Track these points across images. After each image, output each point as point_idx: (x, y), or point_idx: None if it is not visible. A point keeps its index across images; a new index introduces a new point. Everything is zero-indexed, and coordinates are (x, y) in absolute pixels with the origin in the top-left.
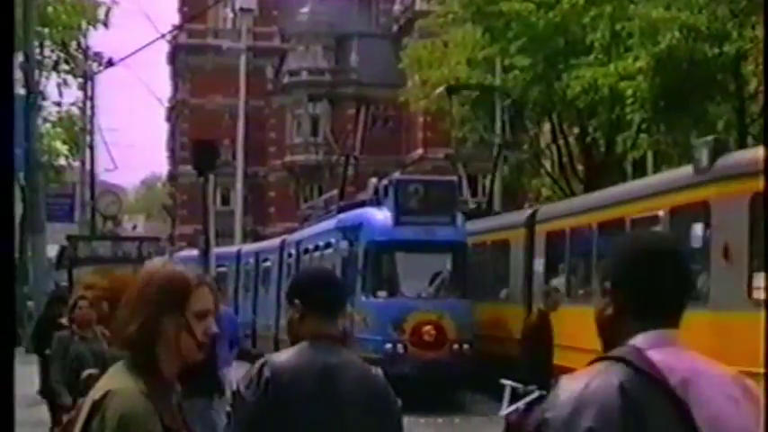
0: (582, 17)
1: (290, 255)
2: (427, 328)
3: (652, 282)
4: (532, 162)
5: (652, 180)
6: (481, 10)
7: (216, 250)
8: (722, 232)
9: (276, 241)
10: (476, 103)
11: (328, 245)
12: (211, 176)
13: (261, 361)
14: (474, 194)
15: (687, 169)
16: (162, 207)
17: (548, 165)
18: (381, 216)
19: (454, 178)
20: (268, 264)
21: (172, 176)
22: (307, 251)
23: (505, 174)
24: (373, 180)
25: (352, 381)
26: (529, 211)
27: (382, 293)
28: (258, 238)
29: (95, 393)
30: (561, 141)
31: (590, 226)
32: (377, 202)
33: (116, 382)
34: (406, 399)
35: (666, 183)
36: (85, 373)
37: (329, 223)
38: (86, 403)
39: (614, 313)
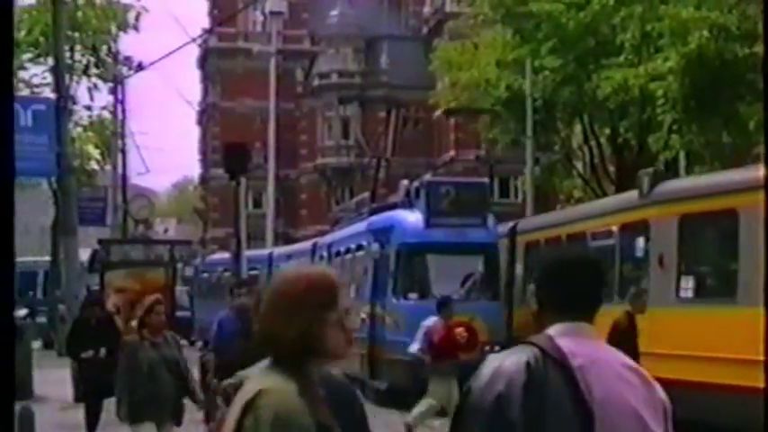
0: (612, 18)
1: (321, 257)
2: (459, 329)
3: (565, 285)
4: (564, 163)
5: (607, 201)
6: (511, 11)
7: (248, 253)
8: (658, 245)
9: (308, 244)
10: (506, 105)
11: (360, 247)
12: (243, 179)
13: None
14: (506, 196)
15: (633, 194)
16: (193, 210)
17: (579, 166)
18: (413, 218)
19: (485, 180)
20: None
21: (203, 180)
22: (338, 254)
23: (537, 175)
24: (404, 182)
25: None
26: (511, 224)
27: (413, 295)
28: (289, 240)
29: (245, 395)
30: (593, 142)
31: (560, 237)
32: (408, 204)
33: (267, 382)
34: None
35: (617, 204)
36: (225, 383)
37: (361, 226)
38: (236, 405)
39: (538, 309)
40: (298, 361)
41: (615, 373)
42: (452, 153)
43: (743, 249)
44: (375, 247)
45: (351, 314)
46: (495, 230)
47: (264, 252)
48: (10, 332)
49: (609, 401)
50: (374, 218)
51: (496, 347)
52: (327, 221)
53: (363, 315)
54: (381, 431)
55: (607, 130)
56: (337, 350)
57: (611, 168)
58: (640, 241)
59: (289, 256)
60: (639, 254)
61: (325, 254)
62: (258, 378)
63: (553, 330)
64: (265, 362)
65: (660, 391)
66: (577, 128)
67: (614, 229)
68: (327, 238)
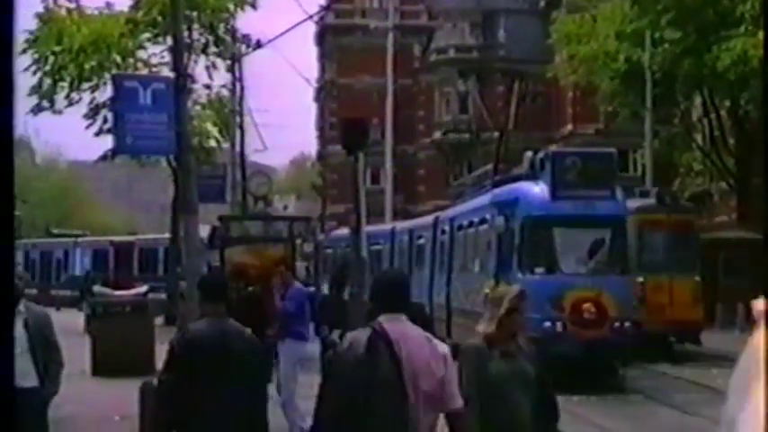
0: None
1: (443, 231)
2: (587, 305)
3: (384, 294)
4: (683, 136)
5: None
6: None
7: (370, 228)
8: None
9: (429, 218)
10: (625, 78)
11: (483, 221)
12: (361, 155)
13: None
14: (625, 170)
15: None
16: (312, 187)
17: (699, 138)
18: (538, 190)
19: (612, 150)
20: (422, 241)
21: (321, 156)
22: (461, 228)
23: (656, 148)
24: (528, 153)
25: (236, 340)
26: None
27: (540, 270)
28: (408, 216)
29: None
30: (712, 115)
31: None
32: (533, 176)
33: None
34: (563, 378)
35: None
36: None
37: (484, 199)
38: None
39: (372, 307)
40: (498, 338)
41: (415, 341)
42: (570, 127)
43: None
44: (500, 220)
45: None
46: (623, 202)
47: (387, 227)
48: (9, 331)
49: (410, 356)
50: (498, 191)
51: (626, 324)
52: (445, 197)
53: (486, 290)
54: None
55: (727, 103)
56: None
57: (731, 141)
58: None
59: (411, 231)
60: None
61: (447, 228)
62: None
63: (381, 318)
64: None
65: (441, 349)
66: (697, 100)
67: None
68: (449, 212)
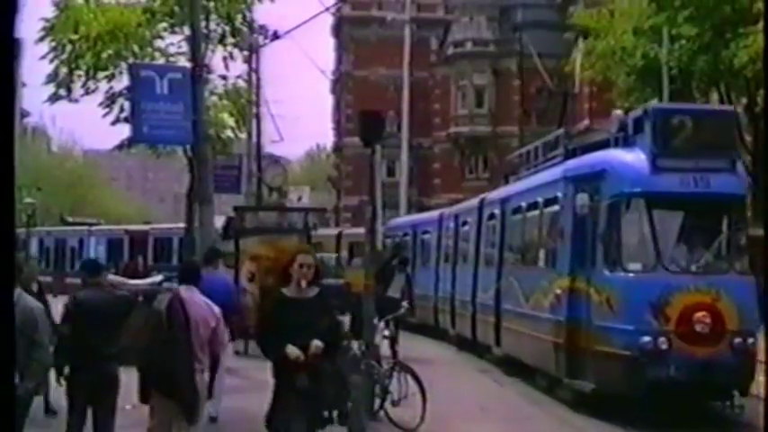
0: None
1: (491, 216)
2: (700, 314)
3: (184, 272)
4: None
5: None
6: None
7: (417, 216)
8: None
9: (474, 201)
10: (642, 73)
11: (551, 201)
12: (378, 148)
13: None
14: None
15: None
16: (327, 178)
17: None
18: (633, 159)
19: (730, 108)
20: (466, 228)
21: (337, 148)
22: (517, 211)
23: None
24: (618, 112)
25: (106, 302)
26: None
27: (635, 266)
28: (422, 209)
29: None
30: None
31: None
32: (624, 140)
33: None
34: (666, 411)
35: None
36: None
37: (553, 173)
38: None
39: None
40: None
41: (198, 304)
42: (587, 122)
43: None
44: (580, 199)
45: None
46: (744, 177)
47: (434, 213)
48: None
49: (195, 313)
50: (574, 162)
51: (750, 340)
52: (460, 190)
53: (558, 290)
54: None
55: (744, 99)
56: None
57: (748, 138)
58: None
59: (456, 216)
60: None
61: (496, 211)
62: None
63: (180, 288)
64: None
65: (215, 310)
66: (713, 97)
67: None
68: (500, 192)
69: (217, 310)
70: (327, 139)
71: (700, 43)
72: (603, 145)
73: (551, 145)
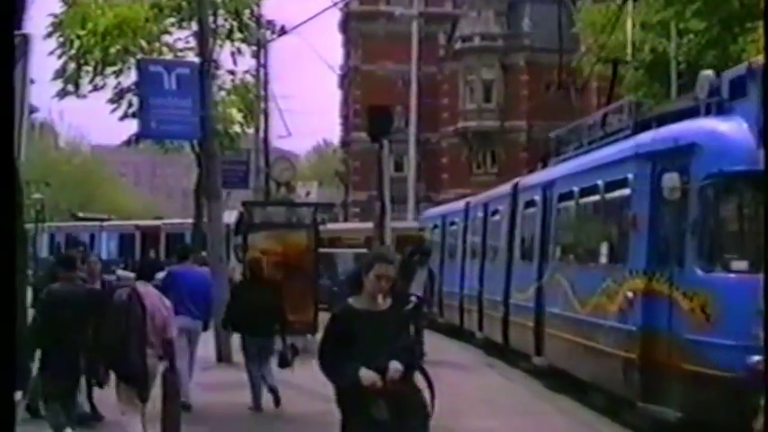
0: None
1: (528, 204)
2: None
3: (141, 271)
4: None
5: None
6: None
7: (443, 208)
8: None
9: (506, 186)
10: (650, 68)
11: (617, 183)
12: (385, 143)
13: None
14: None
15: None
16: (335, 173)
17: None
18: (732, 129)
19: None
20: (496, 218)
21: (344, 143)
22: (568, 196)
23: None
24: (707, 73)
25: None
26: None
27: (739, 265)
28: (431, 204)
29: None
30: None
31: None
32: (718, 107)
33: None
34: None
35: None
36: None
37: (619, 149)
38: None
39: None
40: None
41: (153, 296)
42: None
43: None
44: (671, 179)
45: None
46: None
47: (460, 203)
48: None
49: (151, 305)
50: (648, 135)
51: None
52: (469, 185)
53: (629, 293)
54: None
55: None
56: None
57: None
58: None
59: (485, 205)
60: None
61: (537, 198)
62: None
63: (137, 284)
64: None
65: (165, 303)
66: None
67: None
68: (541, 176)
69: (167, 302)
70: (335, 134)
71: (708, 38)
72: (688, 114)
73: (611, 119)
